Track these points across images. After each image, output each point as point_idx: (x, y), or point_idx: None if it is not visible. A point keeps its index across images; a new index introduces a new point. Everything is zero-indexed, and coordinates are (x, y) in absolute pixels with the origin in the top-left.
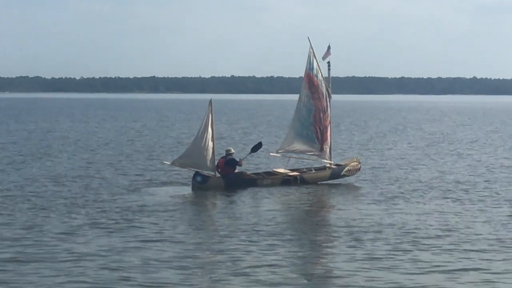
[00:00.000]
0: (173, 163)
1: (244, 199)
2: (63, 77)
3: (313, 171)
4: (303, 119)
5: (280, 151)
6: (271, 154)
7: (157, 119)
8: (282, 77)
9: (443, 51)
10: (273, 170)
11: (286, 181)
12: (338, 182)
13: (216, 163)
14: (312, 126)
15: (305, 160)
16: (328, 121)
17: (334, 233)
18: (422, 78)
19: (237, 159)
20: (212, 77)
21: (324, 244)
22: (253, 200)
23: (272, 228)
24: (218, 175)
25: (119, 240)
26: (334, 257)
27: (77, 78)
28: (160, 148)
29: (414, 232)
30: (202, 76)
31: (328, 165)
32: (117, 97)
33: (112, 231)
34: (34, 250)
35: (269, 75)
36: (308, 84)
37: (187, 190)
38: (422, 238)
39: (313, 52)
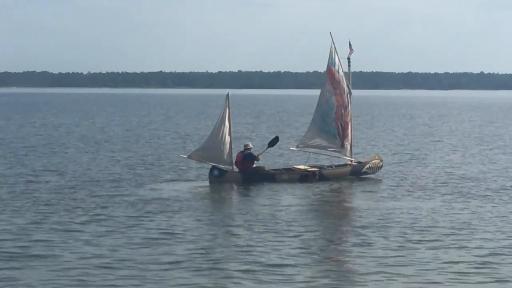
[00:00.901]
0: (190, 157)
1: (261, 194)
2: (71, 72)
3: (333, 168)
4: (325, 114)
5: (300, 145)
6: (291, 148)
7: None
8: (289, 72)
9: (450, 46)
10: (293, 167)
11: (304, 176)
12: (358, 178)
13: (234, 158)
14: (334, 122)
15: (326, 158)
16: (349, 118)
17: (351, 229)
18: (429, 73)
19: (255, 154)
20: (219, 72)
21: (341, 240)
22: (270, 195)
23: (287, 224)
24: (236, 169)
25: (133, 234)
26: (350, 253)
27: (84, 73)
28: (173, 141)
29: (435, 230)
30: (209, 71)
31: (349, 162)
32: (124, 92)
33: (126, 226)
34: (40, 246)
35: (276, 70)
36: (330, 80)
37: (204, 184)
38: (444, 235)
39: (335, 47)
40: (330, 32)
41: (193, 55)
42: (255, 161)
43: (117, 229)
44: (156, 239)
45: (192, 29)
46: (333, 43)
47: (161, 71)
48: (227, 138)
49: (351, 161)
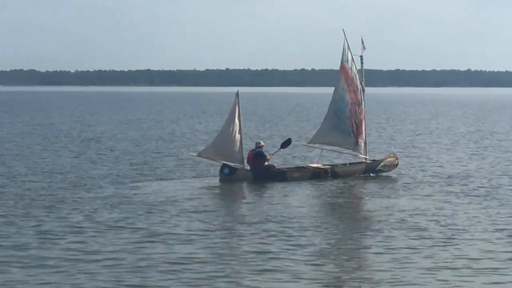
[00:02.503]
0: (199, 155)
1: (272, 193)
2: (58, 70)
3: (347, 165)
4: (339, 111)
5: (313, 141)
6: (302, 144)
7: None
8: (276, 69)
9: (437, 43)
10: (306, 166)
11: (316, 174)
12: (372, 176)
13: (245, 156)
14: (348, 119)
15: (340, 156)
16: (362, 115)
17: (362, 228)
18: (417, 70)
19: (267, 154)
20: (206, 70)
21: (352, 239)
22: (280, 193)
23: (299, 222)
24: (247, 167)
25: (141, 234)
26: (363, 252)
27: (72, 71)
28: (181, 140)
29: (453, 230)
30: (197, 69)
31: (364, 160)
32: (112, 90)
33: (135, 226)
34: (46, 249)
35: (263, 68)
36: (344, 76)
37: (214, 183)
38: (461, 233)
39: (348, 44)
40: (343, 29)
41: (181, 53)
42: (266, 162)
43: (126, 226)
44: (163, 237)
45: (180, 27)
46: (346, 40)
47: (148, 69)
48: (237, 136)
49: (366, 159)
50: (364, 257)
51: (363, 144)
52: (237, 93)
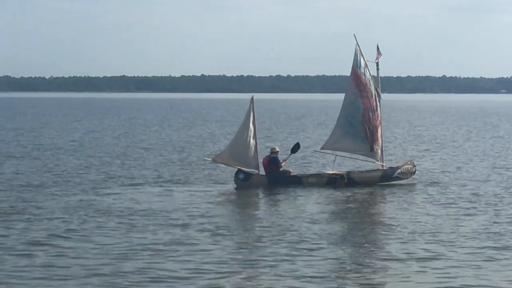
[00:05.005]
0: (214, 160)
1: (287, 198)
2: (33, 76)
3: (364, 172)
4: (351, 117)
5: (325, 148)
6: (314, 151)
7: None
8: (252, 76)
9: (412, 49)
10: (322, 172)
11: (332, 180)
12: (389, 184)
13: (261, 161)
14: (361, 125)
15: (355, 163)
16: (378, 121)
17: (376, 237)
18: (392, 77)
19: (280, 160)
20: (182, 76)
21: (366, 248)
22: (296, 199)
23: (311, 230)
24: (262, 172)
25: (158, 238)
26: (379, 259)
27: (47, 77)
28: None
29: (468, 241)
30: (173, 75)
31: (380, 167)
32: (88, 96)
33: (150, 231)
34: (52, 254)
35: (239, 74)
36: (355, 82)
37: (228, 188)
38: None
39: (360, 50)
40: (354, 34)
41: (156, 59)
42: (280, 167)
43: (143, 229)
44: (177, 243)
45: (155, 33)
46: (358, 46)
47: (123, 75)
48: (252, 141)
49: (382, 166)
50: (381, 265)
51: (379, 151)
52: (252, 99)
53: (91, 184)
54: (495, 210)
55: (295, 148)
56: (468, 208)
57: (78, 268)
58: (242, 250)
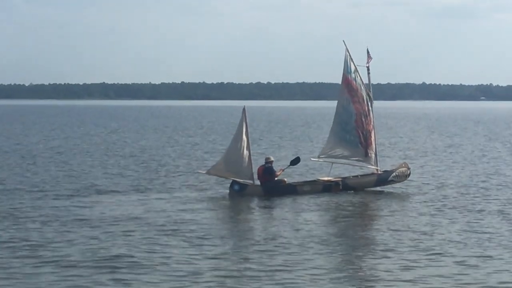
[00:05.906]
0: (208, 172)
1: (283, 207)
2: (12, 84)
3: (358, 177)
4: (344, 123)
5: (322, 156)
6: (312, 159)
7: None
8: (232, 83)
9: (392, 56)
10: (317, 179)
11: (327, 187)
12: (384, 189)
13: (255, 171)
14: (354, 130)
15: (351, 168)
16: (371, 126)
17: (373, 243)
18: (372, 83)
19: (276, 170)
20: (162, 83)
21: (363, 255)
22: (291, 208)
23: (310, 238)
24: (257, 182)
25: (149, 253)
26: (373, 268)
27: (27, 84)
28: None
29: (467, 247)
30: (153, 82)
31: (375, 171)
32: (68, 104)
33: (151, 240)
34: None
35: (219, 81)
36: (346, 88)
37: (225, 199)
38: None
39: (350, 55)
40: (344, 40)
41: (136, 66)
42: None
43: (153, 240)
44: (179, 253)
45: (135, 40)
46: (348, 51)
47: (103, 83)
48: (246, 152)
49: (377, 170)
50: (377, 274)
51: (373, 155)
52: (244, 109)
53: (68, 192)
54: (475, 217)
55: (295, 161)
56: (446, 216)
57: (55, 277)
58: (235, 260)
